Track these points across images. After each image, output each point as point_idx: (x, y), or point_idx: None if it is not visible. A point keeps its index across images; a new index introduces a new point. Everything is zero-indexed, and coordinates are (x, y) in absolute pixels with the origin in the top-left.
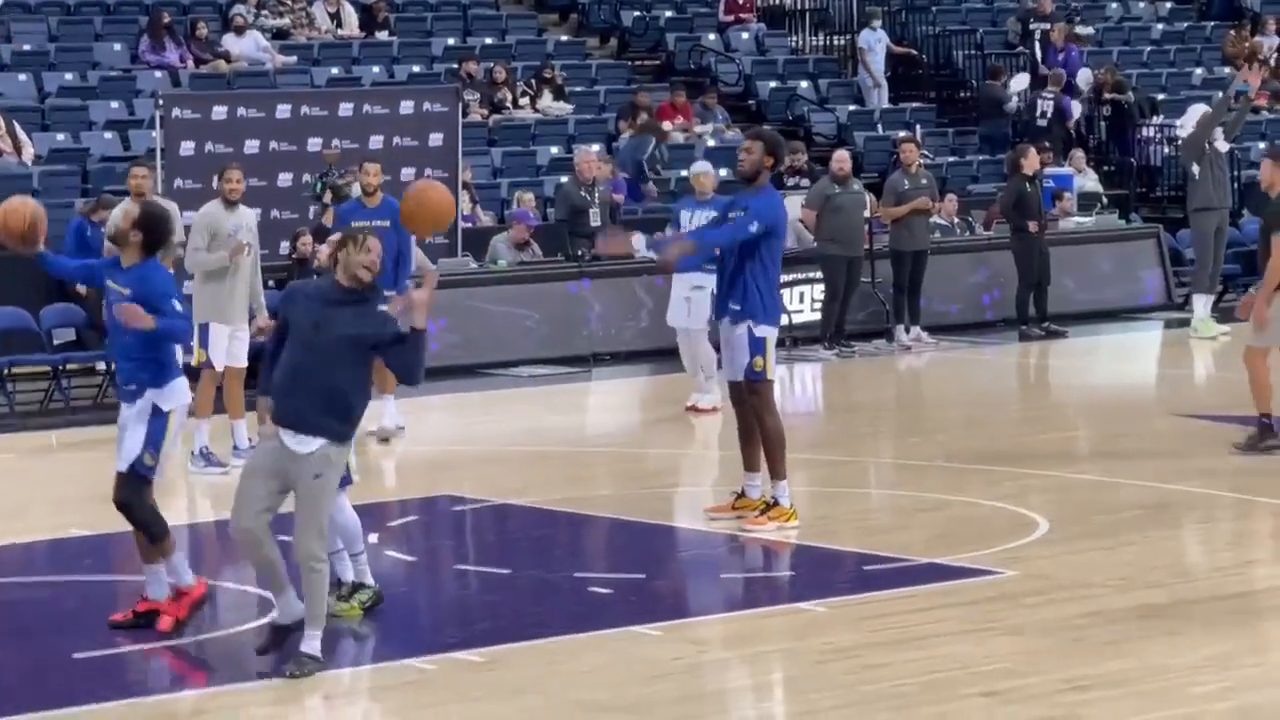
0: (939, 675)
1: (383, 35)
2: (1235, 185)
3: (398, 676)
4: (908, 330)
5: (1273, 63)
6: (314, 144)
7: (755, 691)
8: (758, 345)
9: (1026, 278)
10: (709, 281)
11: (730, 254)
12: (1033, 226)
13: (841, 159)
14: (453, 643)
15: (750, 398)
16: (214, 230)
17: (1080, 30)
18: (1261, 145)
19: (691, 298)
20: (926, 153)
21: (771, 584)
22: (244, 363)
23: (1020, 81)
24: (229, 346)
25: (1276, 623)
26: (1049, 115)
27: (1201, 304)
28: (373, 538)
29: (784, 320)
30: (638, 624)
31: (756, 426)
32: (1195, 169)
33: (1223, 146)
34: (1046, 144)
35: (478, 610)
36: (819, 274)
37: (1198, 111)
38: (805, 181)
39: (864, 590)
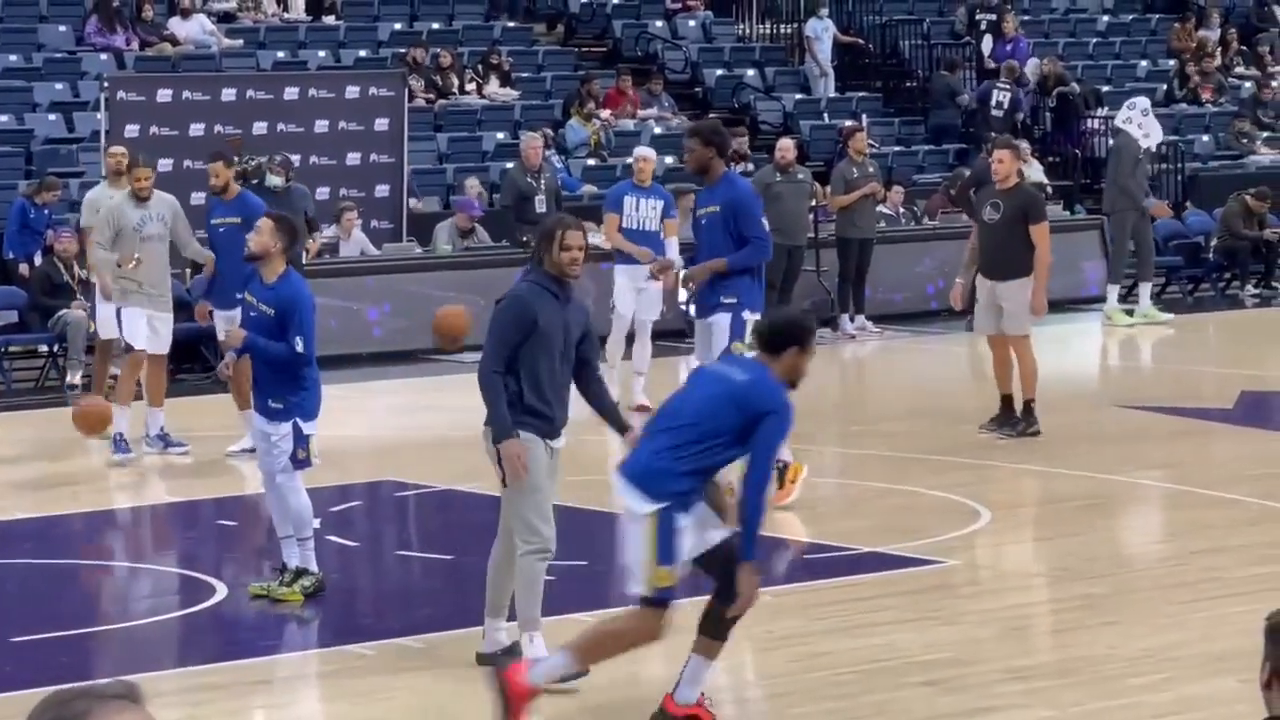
0: (881, 664)
1: (329, 19)
2: (1179, 178)
3: (340, 662)
4: (852, 319)
5: (1216, 57)
6: (259, 127)
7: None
8: (739, 330)
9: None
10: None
11: (710, 248)
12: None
13: (784, 147)
14: (395, 629)
15: None
16: (118, 225)
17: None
18: (1205, 138)
19: (645, 289)
20: (873, 142)
21: None
22: (166, 349)
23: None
24: (149, 333)
25: (1215, 614)
26: (1005, 107)
27: (1112, 294)
28: (315, 523)
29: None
30: (580, 611)
31: None
32: (1122, 168)
33: (1154, 139)
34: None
35: (420, 596)
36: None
37: (1139, 104)
38: (750, 167)
39: (807, 579)
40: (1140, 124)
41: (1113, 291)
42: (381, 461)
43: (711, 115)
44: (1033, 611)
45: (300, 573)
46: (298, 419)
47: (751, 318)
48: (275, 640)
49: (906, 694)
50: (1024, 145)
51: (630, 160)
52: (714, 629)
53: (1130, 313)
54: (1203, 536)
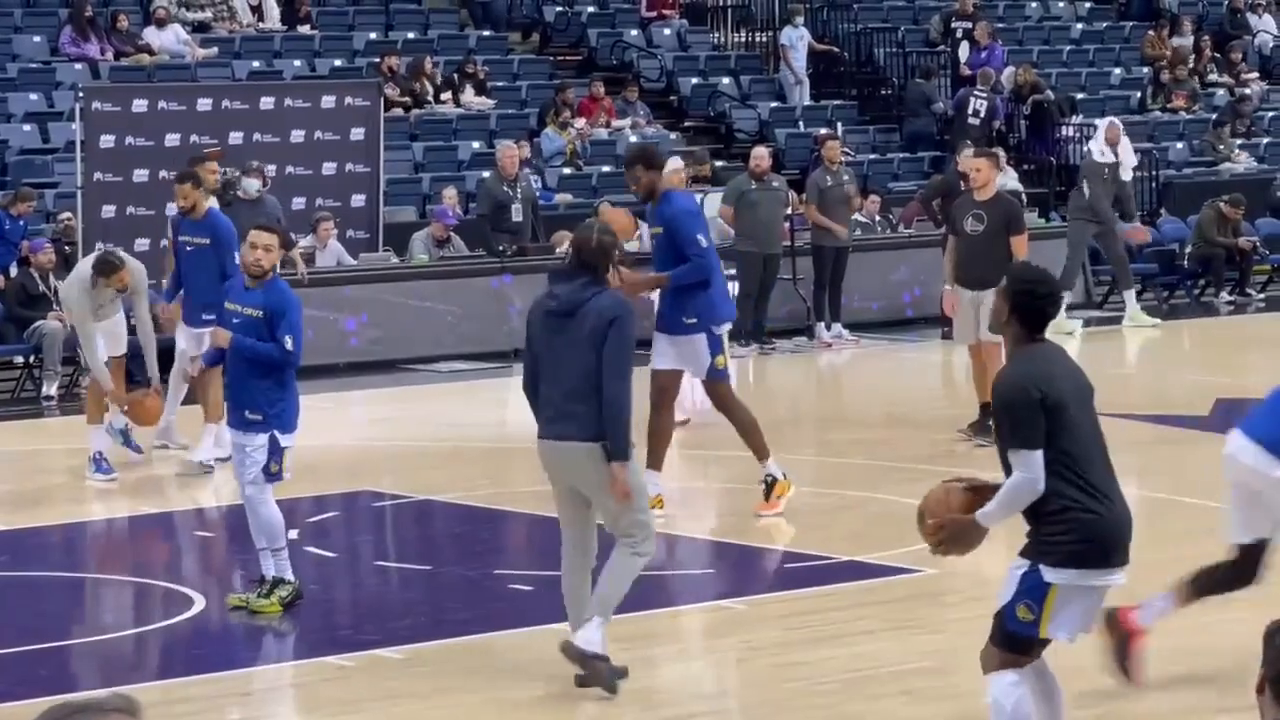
0: (859, 674)
1: (304, 29)
2: (1154, 186)
3: (317, 674)
4: (829, 327)
5: (1190, 64)
6: (235, 137)
7: (676, 689)
8: (715, 344)
9: None
10: None
11: (662, 267)
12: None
13: (759, 156)
14: (373, 640)
15: (713, 399)
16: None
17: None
18: (1180, 145)
19: None
20: (848, 150)
21: (692, 581)
22: (124, 349)
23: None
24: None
25: (1193, 623)
26: (981, 114)
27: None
28: (292, 534)
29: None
30: (558, 621)
31: (668, 421)
32: (1087, 189)
33: (1126, 175)
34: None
35: (398, 607)
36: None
37: (1104, 124)
38: (708, 186)
39: (785, 588)
40: (1103, 149)
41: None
42: (359, 472)
43: (687, 124)
44: None
45: (277, 583)
46: (275, 431)
47: (722, 329)
48: (254, 652)
49: (885, 704)
50: (1000, 153)
51: (606, 169)
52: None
53: (1088, 323)
54: (1180, 545)
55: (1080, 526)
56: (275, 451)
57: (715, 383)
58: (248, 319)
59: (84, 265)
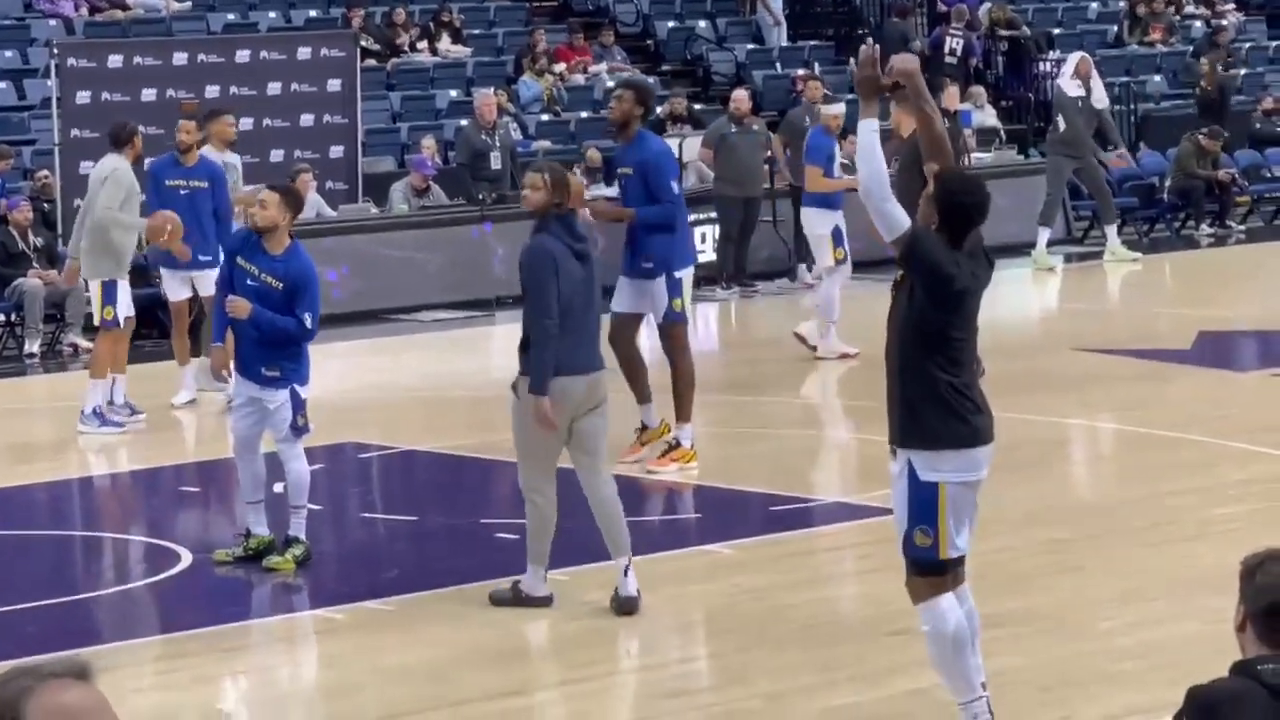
0: (848, 614)
1: None
2: (1132, 120)
3: (307, 627)
4: (809, 269)
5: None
6: (212, 90)
7: (665, 634)
8: (675, 287)
9: None
10: None
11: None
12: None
13: (739, 99)
14: (362, 592)
15: (664, 341)
16: (129, 189)
17: None
18: (1158, 78)
19: None
20: (827, 90)
21: (679, 526)
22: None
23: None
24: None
25: (1178, 557)
26: (958, 53)
27: (1043, 238)
28: (278, 487)
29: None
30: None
31: (639, 359)
32: (1062, 122)
33: (1100, 103)
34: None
35: (385, 559)
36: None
37: (1074, 57)
38: (687, 128)
39: (772, 531)
40: (1076, 82)
41: (1043, 235)
42: (343, 423)
43: (664, 67)
44: (998, 559)
45: (291, 540)
46: (295, 384)
47: (684, 273)
48: (242, 607)
49: (876, 643)
50: (978, 91)
51: (584, 114)
52: None
53: (1069, 258)
54: (1163, 479)
55: (960, 408)
56: (299, 405)
57: (671, 325)
58: (265, 286)
59: (102, 165)
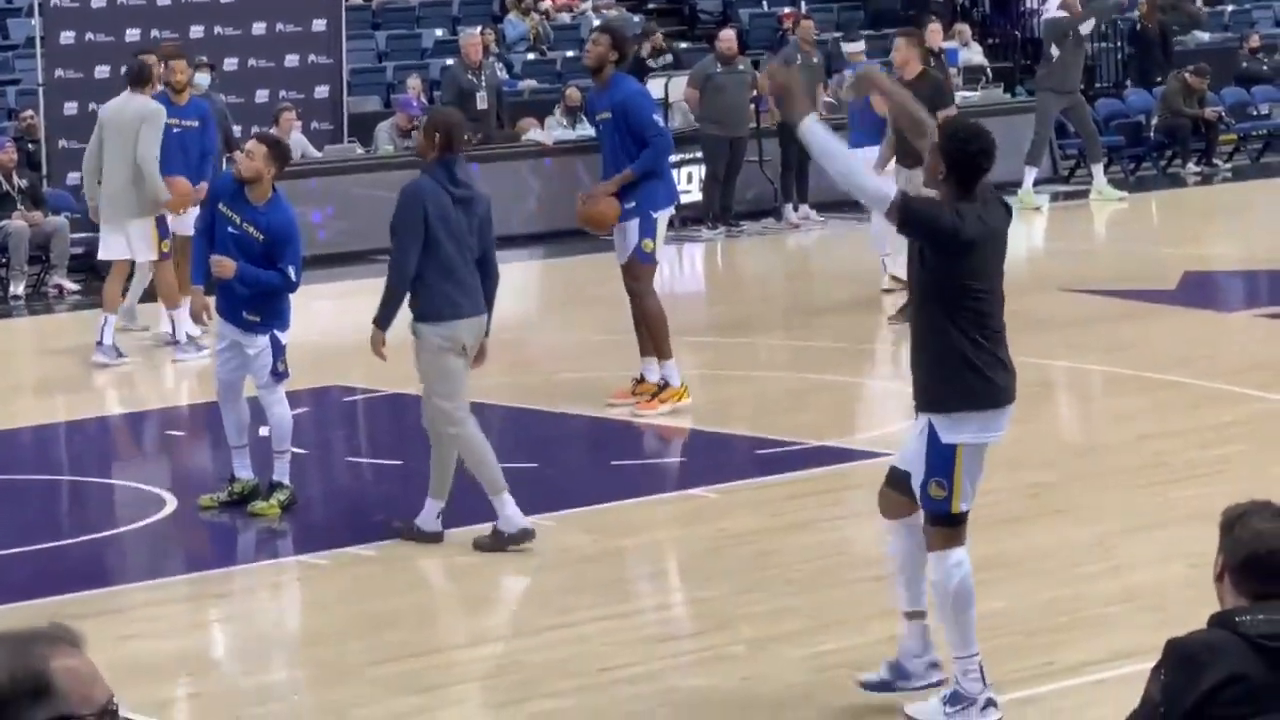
0: (833, 559)
1: None
2: (1120, 57)
3: (292, 573)
4: (796, 208)
5: None
6: (196, 31)
7: (649, 579)
8: (649, 227)
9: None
10: None
11: (611, 153)
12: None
13: (727, 39)
14: (347, 537)
15: (630, 281)
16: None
17: None
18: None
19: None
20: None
21: (664, 470)
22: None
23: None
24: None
25: (1163, 499)
26: None
27: (1029, 177)
28: (263, 430)
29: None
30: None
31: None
32: (1055, 50)
33: (1086, 29)
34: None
35: (372, 504)
36: (701, 153)
37: None
38: (668, 59)
39: (756, 475)
40: (1059, 7)
41: (1029, 174)
42: (328, 367)
43: (650, 5)
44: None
45: (275, 485)
46: (275, 330)
47: (660, 214)
48: (228, 553)
49: (861, 588)
50: (964, 28)
51: (570, 53)
52: None
53: (1055, 197)
54: (1148, 421)
55: (982, 366)
56: (278, 350)
57: (639, 265)
58: (246, 235)
59: (133, 105)
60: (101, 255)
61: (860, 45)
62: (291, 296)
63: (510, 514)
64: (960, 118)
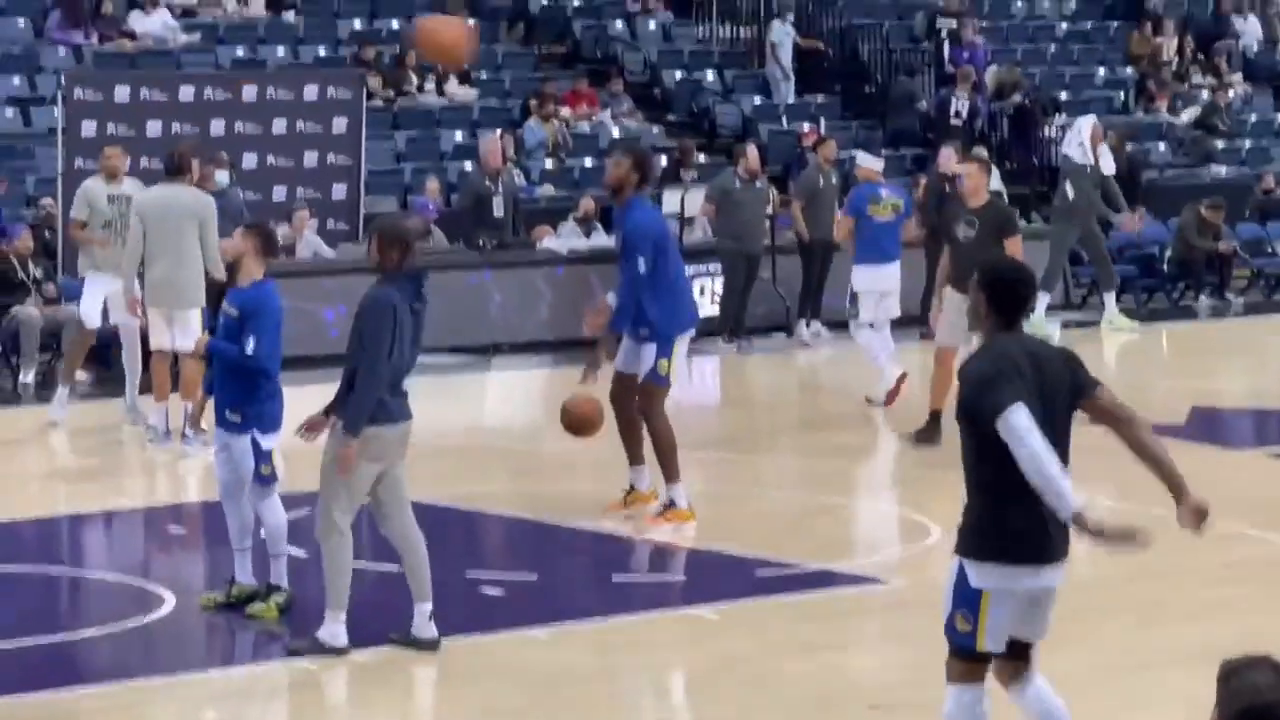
0: (830, 686)
1: (289, 16)
2: (1135, 187)
3: (287, 676)
4: (808, 325)
5: (1174, 65)
6: (217, 127)
7: (645, 699)
8: (665, 349)
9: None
10: None
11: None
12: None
13: (751, 157)
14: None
15: (641, 399)
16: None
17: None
18: (1162, 147)
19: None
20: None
21: (664, 588)
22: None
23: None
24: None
25: (1164, 639)
26: (963, 114)
27: (1042, 303)
28: (264, 532)
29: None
30: (528, 626)
31: (640, 422)
32: (1070, 189)
33: (1107, 168)
34: (960, 144)
35: (370, 610)
36: (719, 267)
37: (1086, 123)
38: (695, 174)
39: (756, 596)
40: (1082, 144)
41: (1042, 300)
42: None
43: (670, 117)
44: None
45: (273, 589)
46: (255, 431)
47: (680, 337)
48: (225, 654)
49: (855, 717)
50: (981, 152)
51: (589, 161)
52: None
53: (1066, 324)
54: (1150, 557)
55: (1010, 523)
56: (259, 454)
57: (653, 387)
58: (228, 318)
59: (194, 197)
60: (153, 343)
61: (879, 164)
62: (283, 399)
63: (336, 631)
64: (1000, 256)
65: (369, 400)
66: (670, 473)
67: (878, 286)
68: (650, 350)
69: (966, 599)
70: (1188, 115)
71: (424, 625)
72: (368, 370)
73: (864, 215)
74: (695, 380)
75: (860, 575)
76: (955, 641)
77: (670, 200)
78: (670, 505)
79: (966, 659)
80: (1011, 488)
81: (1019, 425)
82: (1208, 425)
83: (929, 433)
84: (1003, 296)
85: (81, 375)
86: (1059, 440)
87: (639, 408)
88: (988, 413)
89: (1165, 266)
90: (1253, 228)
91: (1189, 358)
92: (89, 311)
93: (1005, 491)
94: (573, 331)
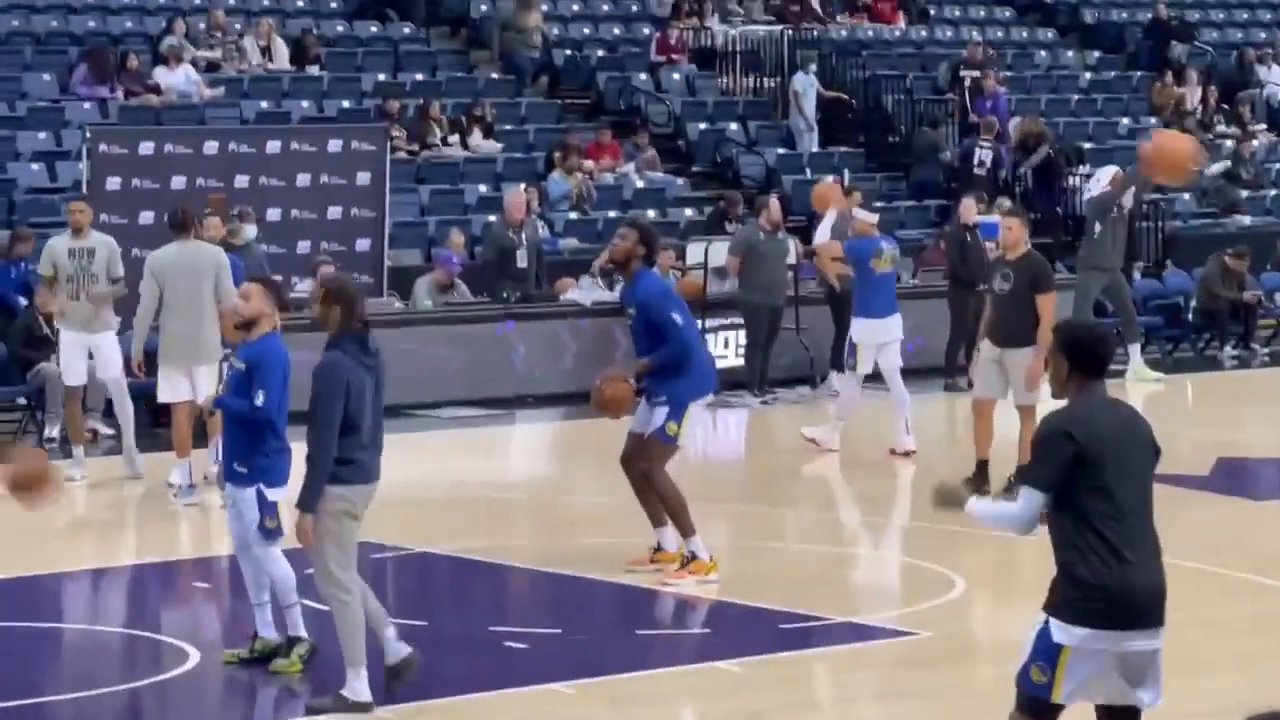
0: None
1: (313, 70)
2: (1159, 236)
3: None
4: (824, 378)
5: (1198, 115)
6: (241, 181)
7: None
8: (678, 413)
9: (959, 328)
10: None
11: (641, 347)
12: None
13: (774, 209)
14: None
15: (645, 456)
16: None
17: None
18: (1187, 196)
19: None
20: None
21: (688, 641)
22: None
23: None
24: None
25: (1185, 692)
26: (987, 164)
27: (1135, 352)
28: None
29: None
30: (552, 681)
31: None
32: (1097, 228)
33: (1127, 201)
34: (984, 194)
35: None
36: (742, 319)
37: (1109, 172)
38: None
39: (780, 649)
40: (1105, 189)
41: (1134, 351)
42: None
43: (694, 169)
44: (1008, 685)
45: (294, 641)
46: (261, 485)
47: (694, 404)
48: (248, 711)
49: None
50: (1005, 203)
51: (613, 214)
52: None
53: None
54: (1176, 609)
55: (1093, 585)
56: (265, 506)
57: (658, 444)
58: (236, 372)
59: (205, 252)
60: (162, 398)
61: (874, 217)
62: (290, 454)
63: (359, 688)
64: (1069, 319)
65: (321, 471)
66: (685, 528)
67: (877, 339)
68: (662, 412)
69: (1046, 652)
70: (1216, 168)
71: (357, 688)
72: (318, 441)
73: (866, 268)
74: (720, 432)
75: (886, 628)
76: (1027, 690)
77: (693, 251)
78: (692, 558)
79: (1034, 712)
80: (1092, 548)
81: (1010, 508)
82: (1234, 476)
83: (977, 482)
84: (1083, 356)
85: (105, 429)
86: (1145, 496)
87: (642, 465)
88: (1030, 475)
89: (1190, 316)
90: (1277, 277)
91: (1214, 408)
92: (68, 368)
93: (1086, 550)
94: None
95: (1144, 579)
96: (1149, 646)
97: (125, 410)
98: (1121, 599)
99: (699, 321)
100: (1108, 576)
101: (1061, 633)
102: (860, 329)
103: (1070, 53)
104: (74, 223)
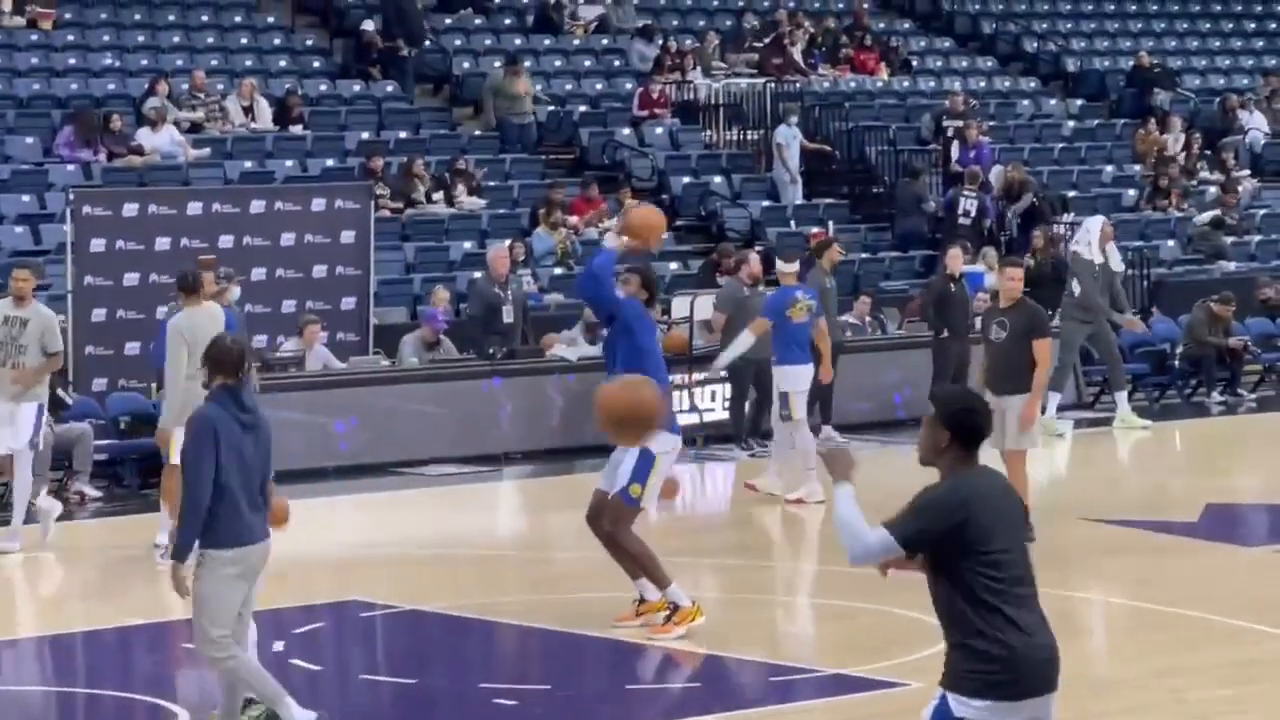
0: None
1: (296, 129)
2: (1145, 284)
3: None
4: (819, 430)
5: (1181, 161)
6: (225, 241)
7: None
8: (644, 469)
9: (942, 378)
10: None
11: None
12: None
13: (754, 263)
14: None
15: (608, 516)
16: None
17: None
18: (1170, 243)
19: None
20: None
21: (678, 696)
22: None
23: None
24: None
25: None
26: (971, 214)
27: (1053, 403)
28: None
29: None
30: None
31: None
32: (1077, 286)
33: (1116, 266)
34: (968, 244)
35: None
36: (726, 374)
37: (1096, 223)
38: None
39: (770, 702)
40: (1090, 243)
41: (1053, 400)
42: (348, 579)
43: (679, 222)
44: None
45: (248, 702)
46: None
47: (661, 454)
48: None
49: None
50: (989, 252)
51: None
52: None
53: (1078, 424)
54: (1166, 656)
55: (994, 657)
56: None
57: (621, 506)
58: None
59: (215, 313)
60: (175, 460)
61: (794, 266)
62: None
63: (298, 715)
64: (949, 387)
65: (193, 523)
66: (659, 580)
67: (801, 385)
68: (628, 465)
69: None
70: (1203, 218)
71: (294, 714)
72: (189, 493)
73: (783, 318)
74: (708, 485)
75: (876, 679)
76: None
77: (679, 305)
78: (674, 609)
79: None
80: (989, 623)
81: (864, 531)
82: (1223, 522)
83: None
84: (964, 428)
85: (92, 491)
86: (1029, 565)
87: (605, 525)
88: (900, 523)
89: (1176, 363)
90: (1263, 323)
91: (1202, 455)
92: None
93: (983, 626)
94: (584, 439)
95: (1041, 649)
96: (1046, 714)
97: (24, 481)
98: (1022, 669)
99: (685, 376)
100: (1007, 649)
101: (961, 706)
102: (785, 377)
103: (1053, 101)
104: (16, 290)
